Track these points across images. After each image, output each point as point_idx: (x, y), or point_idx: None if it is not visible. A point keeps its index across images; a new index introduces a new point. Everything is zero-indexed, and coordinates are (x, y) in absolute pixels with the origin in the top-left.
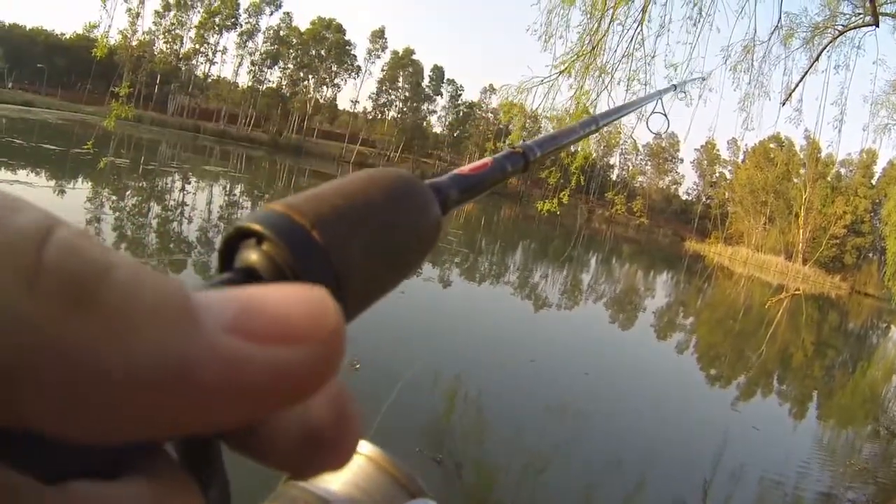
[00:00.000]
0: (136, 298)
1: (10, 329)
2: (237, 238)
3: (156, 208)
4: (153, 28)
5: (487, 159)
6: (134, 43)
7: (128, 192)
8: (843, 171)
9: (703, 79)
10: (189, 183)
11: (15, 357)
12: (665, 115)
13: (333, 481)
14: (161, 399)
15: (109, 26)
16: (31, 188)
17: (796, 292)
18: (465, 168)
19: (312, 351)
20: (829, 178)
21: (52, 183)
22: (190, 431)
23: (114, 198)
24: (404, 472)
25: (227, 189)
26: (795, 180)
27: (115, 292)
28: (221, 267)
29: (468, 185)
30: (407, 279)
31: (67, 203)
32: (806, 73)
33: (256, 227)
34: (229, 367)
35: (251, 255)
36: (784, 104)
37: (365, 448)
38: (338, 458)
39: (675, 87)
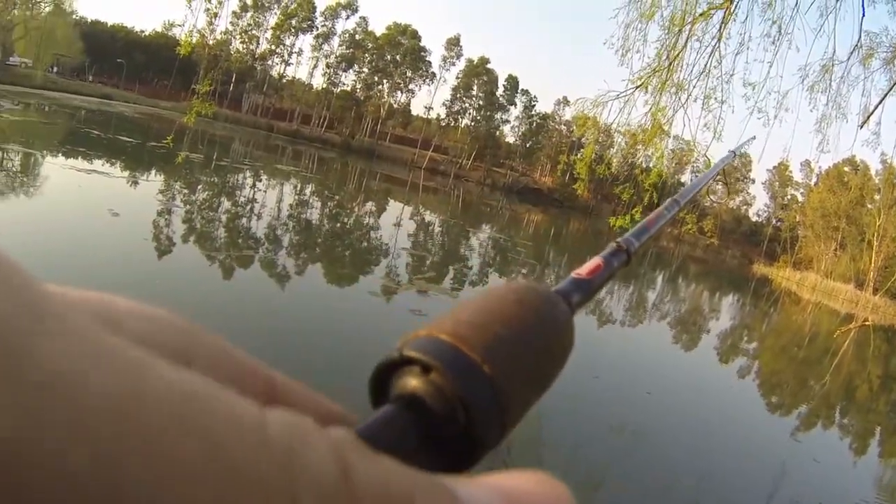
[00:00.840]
0: None
1: None
2: (397, 364)
3: (226, 204)
4: (230, 28)
5: (598, 260)
6: (211, 42)
7: (200, 186)
8: None
9: (754, 138)
10: (260, 181)
11: None
12: (725, 182)
13: None
14: None
15: (194, 25)
16: (107, 178)
17: (865, 322)
18: (583, 271)
19: None
20: None
21: (127, 174)
22: None
23: (186, 191)
24: None
25: (298, 188)
26: (869, 206)
27: None
28: (374, 392)
29: (588, 288)
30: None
31: (141, 193)
32: (886, 94)
33: (424, 357)
34: None
35: (414, 383)
36: (862, 127)
37: None
38: None
39: (733, 153)
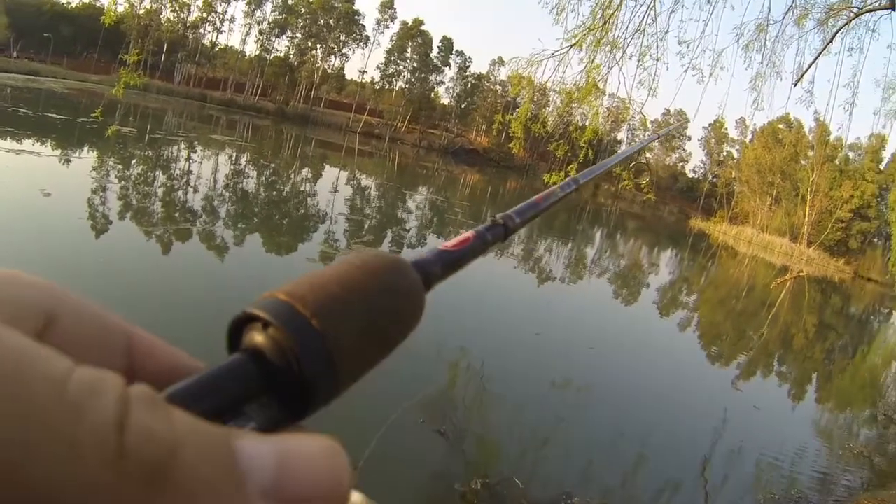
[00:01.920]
0: (198, 475)
1: None
2: (245, 321)
3: (162, 177)
4: None
5: (469, 233)
6: (141, 11)
7: (134, 161)
8: (851, 154)
9: (689, 122)
10: (195, 152)
11: None
12: (649, 168)
13: None
14: None
15: None
16: (37, 157)
17: (800, 274)
18: (450, 243)
19: None
20: (837, 162)
21: (59, 152)
22: None
23: (120, 166)
24: None
25: (234, 158)
26: (803, 162)
27: (181, 471)
28: (229, 344)
29: (452, 260)
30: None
31: (73, 171)
32: (819, 54)
33: (263, 314)
34: None
35: (258, 338)
36: (795, 85)
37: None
38: None
39: (658, 136)
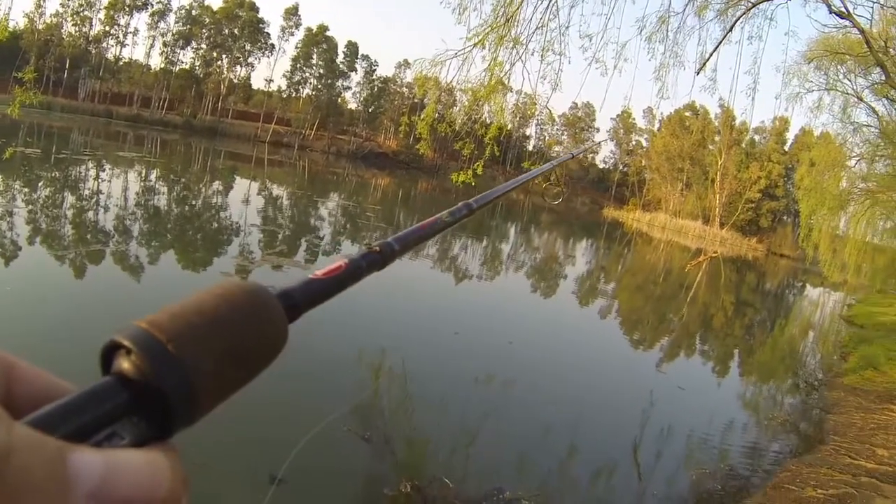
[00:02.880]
0: (28, 478)
1: None
2: (112, 347)
3: (70, 198)
4: (60, 10)
5: (342, 261)
6: (41, 26)
7: (41, 183)
8: (756, 137)
9: (599, 144)
10: (104, 170)
11: None
12: (562, 188)
13: None
14: None
15: (10, 8)
16: None
17: (714, 255)
18: (320, 272)
19: None
20: (743, 145)
21: None
22: None
23: (26, 190)
24: None
25: (143, 175)
26: (711, 147)
27: (12, 473)
28: (102, 368)
29: (322, 288)
30: (255, 378)
31: None
32: (720, 43)
33: (124, 341)
34: None
35: (123, 363)
36: (698, 73)
37: None
38: None
39: (572, 155)
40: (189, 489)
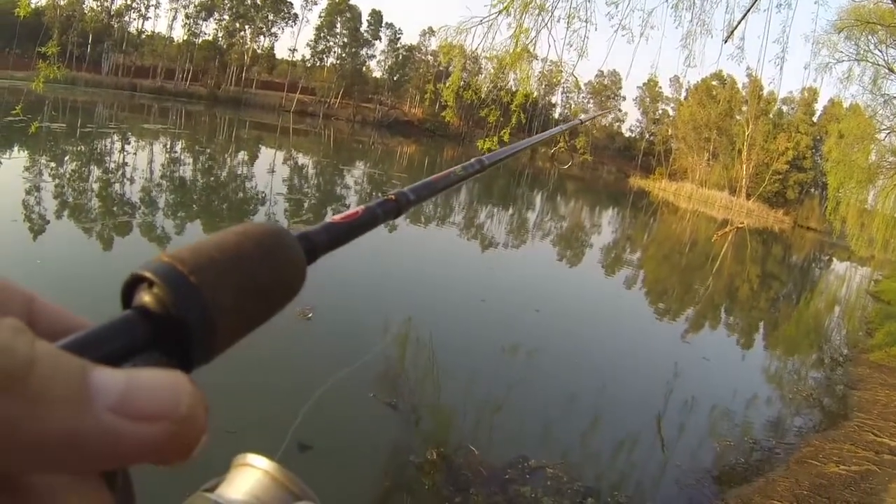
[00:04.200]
0: (50, 387)
1: None
2: (134, 282)
3: (97, 171)
4: None
5: (360, 208)
6: (62, 2)
7: (66, 158)
8: (784, 108)
9: (610, 110)
10: (129, 143)
11: None
12: (570, 150)
13: (234, 492)
14: (63, 456)
15: None
16: None
17: (741, 226)
18: (338, 217)
19: (168, 429)
20: (771, 115)
21: None
22: (88, 471)
23: (52, 164)
24: (292, 479)
25: (169, 146)
26: (738, 117)
27: (35, 382)
28: (123, 303)
29: (339, 233)
30: (274, 317)
31: (4, 172)
32: (748, 11)
33: (147, 273)
34: (108, 439)
35: (144, 297)
36: (726, 42)
37: (261, 463)
38: (184, 454)
39: (581, 121)
40: (208, 415)
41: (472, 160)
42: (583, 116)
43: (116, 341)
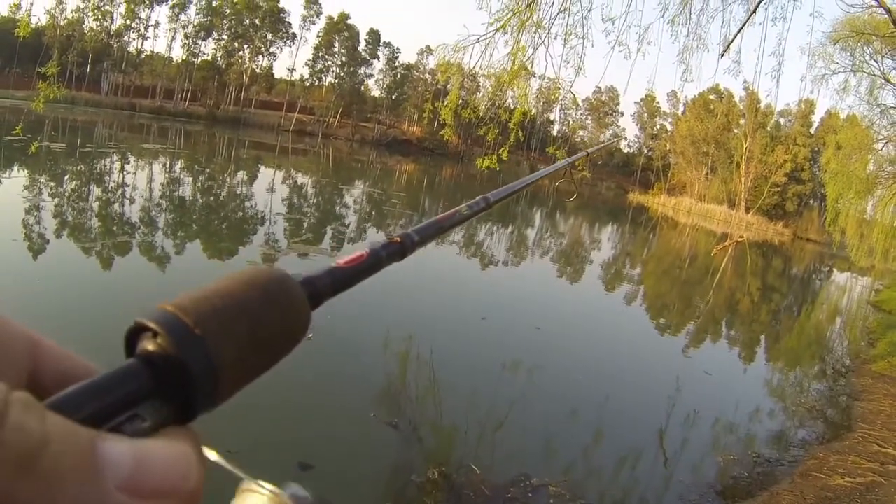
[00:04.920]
0: (63, 465)
1: None
2: (137, 330)
3: (96, 191)
4: (81, 5)
5: (363, 251)
6: (62, 22)
7: (66, 177)
8: (782, 120)
9: (615, 142)
10: (128, 163)
11: None
12: (576, 186)
13: None
14: None
15: (31, 4)
16: None
17: (740, 239)
18: (342, 260)
19: None
20: (768, 128)
21: None
22: None
23: (52, 184)
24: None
25: (167, 166)
26: (736, 131)
27: (47, 461)
28: (127, 351)
29: (343, 277)
30: (277, 365)
31: (4, 192)
32: (744, 25)
33: (150, 323)
34: None
35: (148, 345)
36: (723, 56)
37: (269, 488)
38: None
39: (587, 154)
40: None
41: (478, 198)
42: (590, 149)
43: (121, 390)
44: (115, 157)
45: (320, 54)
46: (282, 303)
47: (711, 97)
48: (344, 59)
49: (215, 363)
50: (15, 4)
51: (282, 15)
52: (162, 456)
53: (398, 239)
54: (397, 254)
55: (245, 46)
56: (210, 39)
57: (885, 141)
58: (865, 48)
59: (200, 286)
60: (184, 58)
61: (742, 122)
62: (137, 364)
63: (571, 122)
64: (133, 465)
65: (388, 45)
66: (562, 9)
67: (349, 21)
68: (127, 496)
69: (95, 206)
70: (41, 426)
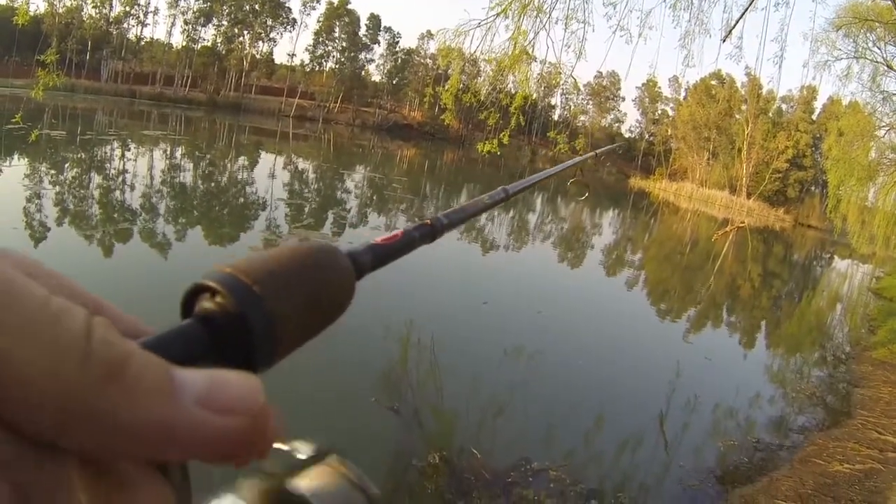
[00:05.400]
0: (143, 378)
1: (71, 392)
2: (195, 291)
3: (97, 178)
4: None
5: (398, 231)
6: (61, 9)
7: (67, 165)
8: (784, 106)
9: (620, 145)
10: (129, 150)
11: (71, 408)
12: (586, 184)
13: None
14: (154, 443)
15: None
16: None
17: (741, 225)
18: (380, 238)
19: (245, 422)
20: (770, 114)
21: None
22: (170, 459)
23: (53, 171)
24: (357, 474)
25: (168, 152)
26: (737, 116)
27: (130, 375)
28: (183, 312)
29: (381, 253)
30: (327, 328)
31: (4, 180)
32: (746, 10)
33: (211, 283)
34: (195, 428)
35: (207, 305)
36: (724, 41)
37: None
38: (260, 452)
39: (596, 154)
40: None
41: (498, 189)
42: (598, 150)
43: (182, 346)
44: (115, 145)
45: (321, 39)
46: (332, 270)
47: (713, 82)
48: (344, 44)
49: (273, 320)
50: None
51: (282, 0)
52: (231, 378)
53: (429, 221)
54: (428, 236)
55: (245, 32)
56: (210, 25)
57: (887, 128)
58: (868, 35)
59: (252, 253)
60: (184, 44)
61: (744, 107)
62: (194, 323)
63: (573, 107)
64: (207, 383)
65: (388, 29)
66: None
67: (349, 6)
68: (203, 409)
69: (96, 193)
70: (122, 345)
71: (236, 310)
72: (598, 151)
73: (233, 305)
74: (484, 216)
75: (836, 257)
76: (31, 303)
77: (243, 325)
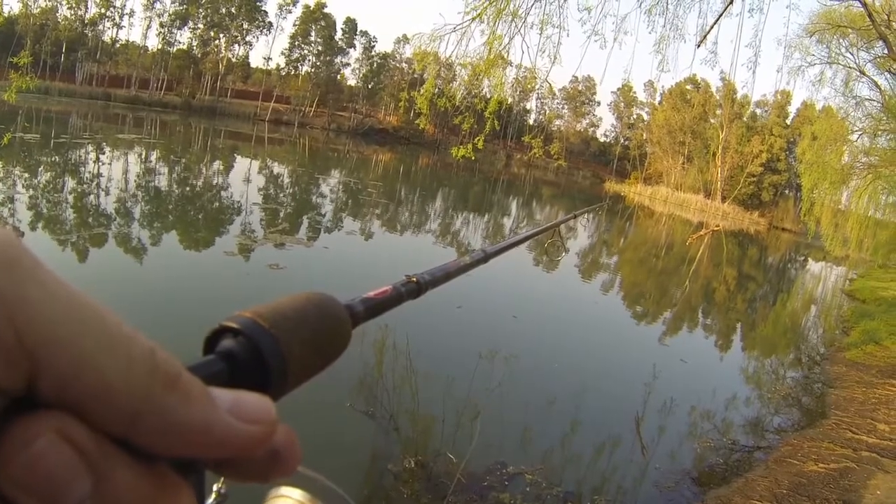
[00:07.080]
0: (193, 389)
1: (142, 394)
2: (219, 333)
3: (71, 182)
4: None
5: (388, 287)
6: (35, 11)
7: (41, 168)
8: (758, 111)
9: (600, 206)
10: (103, 153)
11: (141, 407)
12: (563, 244)
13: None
14: (196, 439)
15: None
16: None
17: (716, 228)
18: (372, 293)
19: (265, 430)
20: (744, 119)
21: None
22: (208, 455)
23: (26, 175)
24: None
25: (143, 156)
26: (712, 121)
27: (183, 385)
28: (206, 349)
29: (372, 305)
30: (326, 369)
31: None
32: (720, 15)
33: (233, 325)
34: (228, 430)
35: (230, 343)
36: (699, 46)
37: (296, 494)
38: (288, 468)
39: (574, 216)
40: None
41: (478, 250)
42: (577, 212)
43: (206, 376)
44: (90, 148)
45: (296, 43)
46: (334, 318)
47: (688, 87)
48: (320, 48)
49: (286, 358)
50: None
51: (258, 3)
52: (251, 396)
53: (415, 279)
54: (414, 291)
55: (221, 35)
56: (186, 28)
57: (860, 132)
58: (841, 41)
59: (271, 302)
60: (159, 47)
61: (718, 112)
62: (217, 359)
63: (548, 112)
64: (234, 398)
65: (364, 33)
66: None
67: (326, 10)
68: (233, 417)
69: (70, 197)
70: (176, 362)
71: (256, 348)
72: (576, 213)
73: (252, 345)
74: (458, 220)
75: (810, 260)
76: (113, 326)
77: (260, 361)
